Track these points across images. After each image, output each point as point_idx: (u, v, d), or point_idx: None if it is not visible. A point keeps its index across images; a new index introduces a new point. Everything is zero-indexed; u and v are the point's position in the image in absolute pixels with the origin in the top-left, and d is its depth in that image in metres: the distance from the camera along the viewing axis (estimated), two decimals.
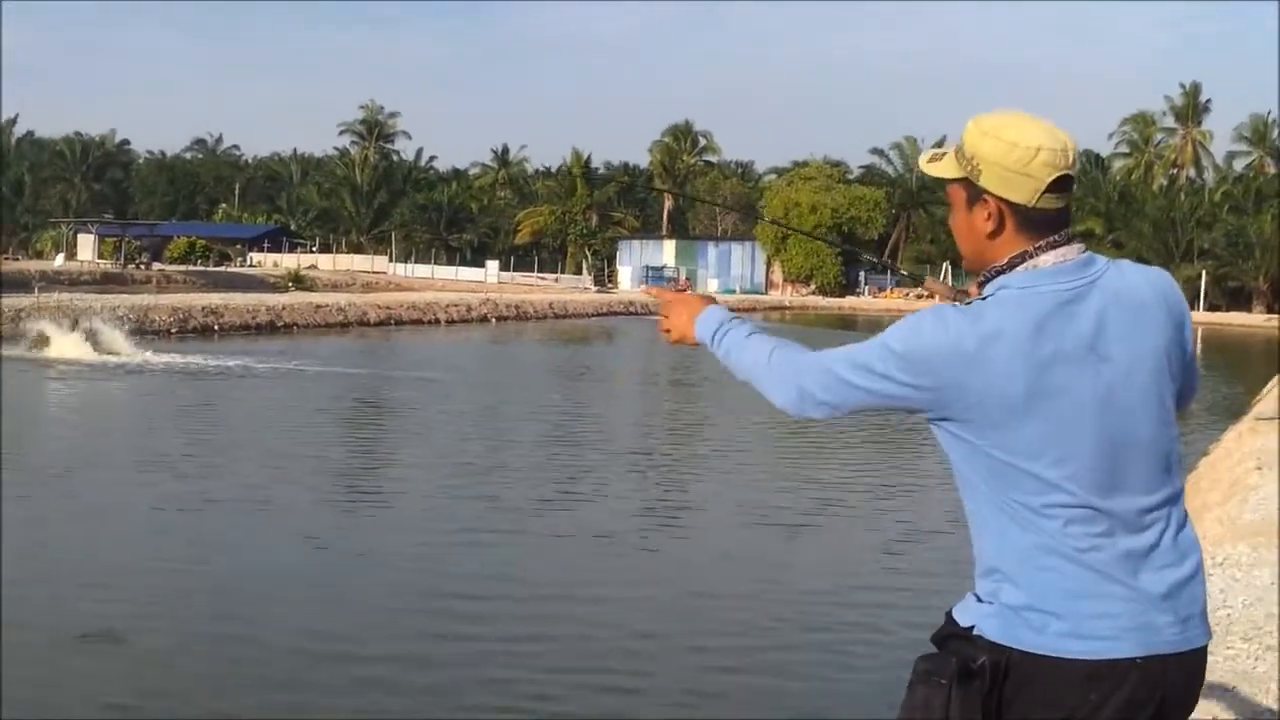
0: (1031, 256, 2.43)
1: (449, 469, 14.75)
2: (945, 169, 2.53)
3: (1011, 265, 2.44)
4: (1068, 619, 2.33)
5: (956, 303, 2.68)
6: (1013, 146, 2.41)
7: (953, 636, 2.45)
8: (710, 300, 2.81)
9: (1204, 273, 79.84)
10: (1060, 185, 2.43)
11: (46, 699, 6.96)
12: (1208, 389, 31.87)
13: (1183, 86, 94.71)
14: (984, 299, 2.42)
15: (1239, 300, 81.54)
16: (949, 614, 2.51)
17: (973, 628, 2.41)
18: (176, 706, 7.01)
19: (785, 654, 8.32)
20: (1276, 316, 67.53)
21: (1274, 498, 10.38)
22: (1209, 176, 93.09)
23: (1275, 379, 23.12)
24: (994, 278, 2.46)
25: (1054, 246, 2.43)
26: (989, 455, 2.38)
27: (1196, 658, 2.42)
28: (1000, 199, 2.44)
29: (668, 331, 2.85)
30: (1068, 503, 2.35)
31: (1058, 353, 2.35)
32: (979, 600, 2.45)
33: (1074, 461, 2.35)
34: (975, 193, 2.48)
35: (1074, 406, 2.36)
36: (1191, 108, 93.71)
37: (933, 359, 2.36)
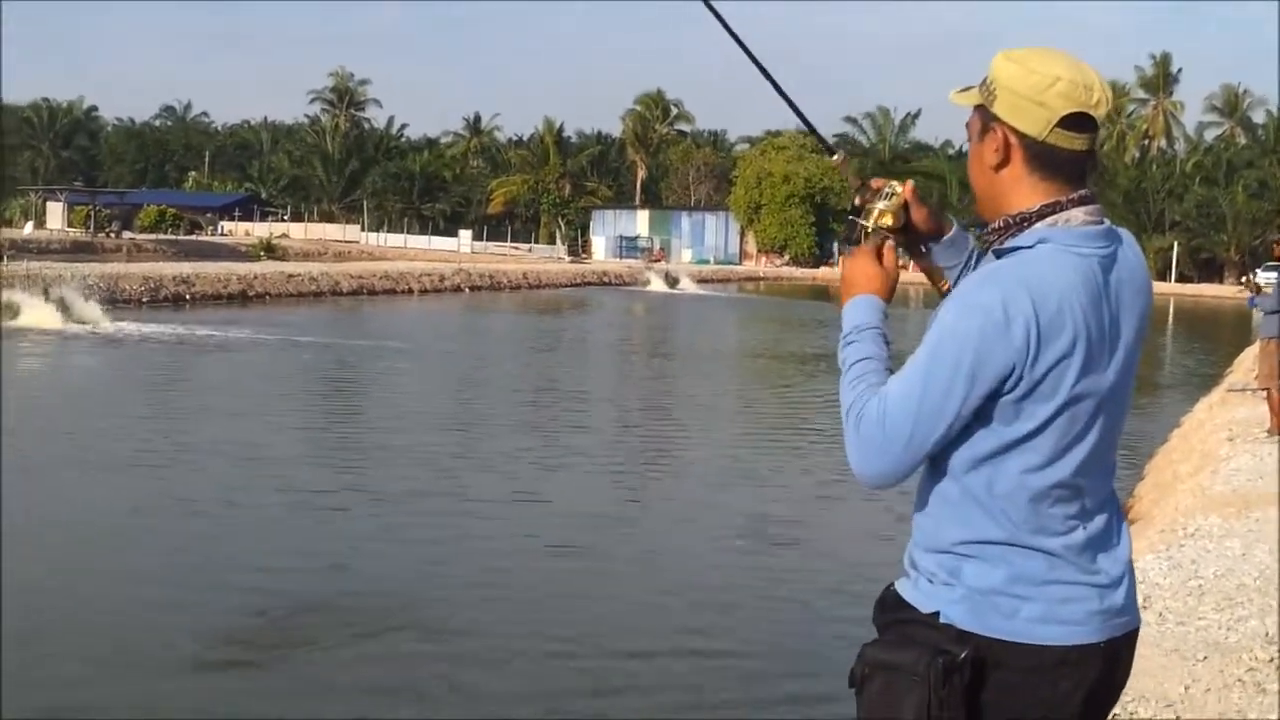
0: (1063, 209, 2.30)
1: (423, 443, 14.71)
2: (967, 97, 2.38)
3: (1041, 215, 2.29)
4: (1039, 603, 2.25)
5: (857, 194, 2.57)
6: (1030, 72, 2.28)
7: (910, 623, 2.31)
8: (882, 283, 2.49)
9: (1175, 244, 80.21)
10: (1078, 123, 2.28)
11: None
12: (1179, 360, 32.11)
13: (1153, 57, 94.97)
14: (1020, 249, 2.28)
15: (1210, 271, 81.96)
16: (894, 594, 2.38)
17: (937, 614, 2.28)
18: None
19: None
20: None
21: (1245, 469, 10.47)
22: (1180, 147, 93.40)
23: (1245, 350, 23.25)
24: (1020, 227, 2.31)
25: (1084, 203, 2.31)
26: (990, 432, 2.25)
27: (1134, 640, 2.40)
28: (1010, 127, 2.31)
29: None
30: (1055, 484, 2.27)
31: (1097, 326, 2.26)
32: (931, 580, 2.31)
33: (1076, 442, 2.27)
34: (987, 119, 2.34)
35: (1094, 383, 2.27)
36: (1162, 78, 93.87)
37: (998, 323, 2.19)
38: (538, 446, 14.65)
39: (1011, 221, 2.32)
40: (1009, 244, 2.32)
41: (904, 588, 2.37)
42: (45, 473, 12.06)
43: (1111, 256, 2.32)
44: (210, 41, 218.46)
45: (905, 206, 2.56)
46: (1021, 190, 2.32)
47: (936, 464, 2.31)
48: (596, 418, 17.74)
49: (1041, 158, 2.30)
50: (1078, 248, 2.27)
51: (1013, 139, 2.31)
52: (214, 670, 7.12)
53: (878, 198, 2.56)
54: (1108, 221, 2.34)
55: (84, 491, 11.40)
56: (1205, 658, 5.78)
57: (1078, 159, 2.32)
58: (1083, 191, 2.32)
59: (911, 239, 2.60)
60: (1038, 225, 2.29)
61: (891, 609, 2.38)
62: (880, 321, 2.45)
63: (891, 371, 2.35)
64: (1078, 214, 2.30)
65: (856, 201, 2.60)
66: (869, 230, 2.53)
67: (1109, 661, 2.31)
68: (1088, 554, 2.30)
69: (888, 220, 2.53)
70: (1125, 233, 2.40)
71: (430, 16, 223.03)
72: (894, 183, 2.58)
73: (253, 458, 13.04)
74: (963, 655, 2.22)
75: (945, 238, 2.63)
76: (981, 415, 2.24)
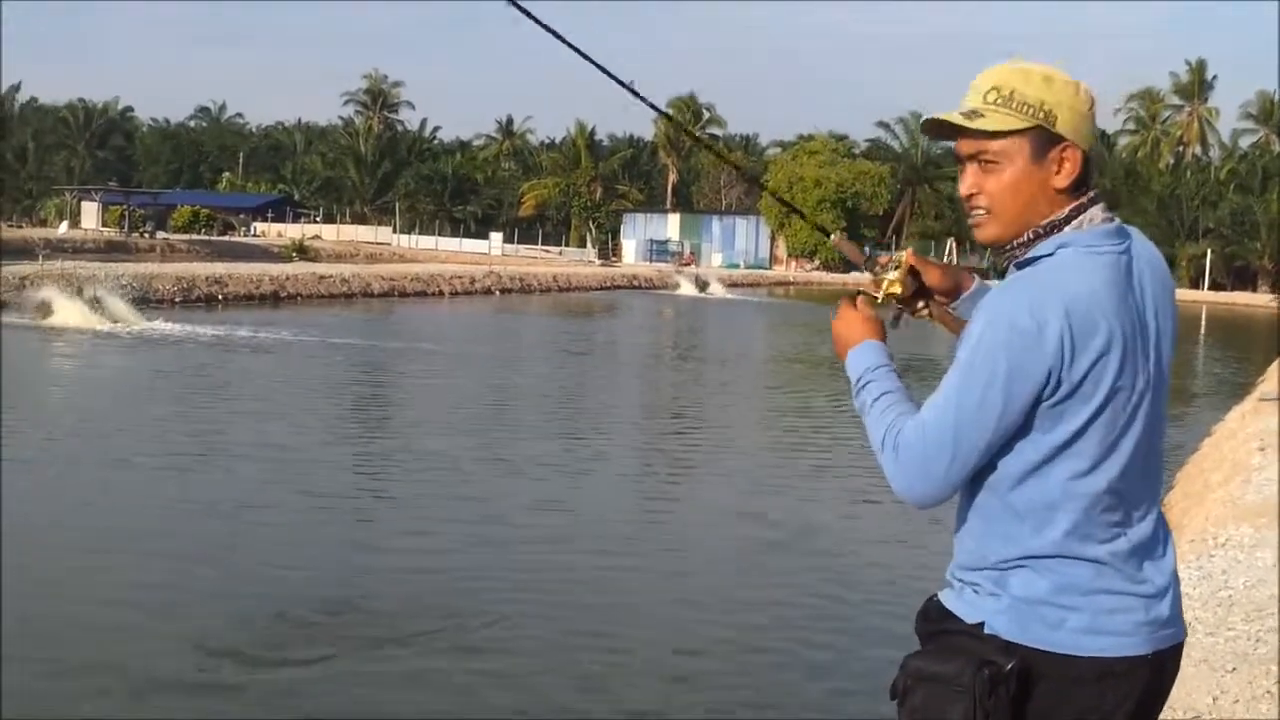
0: (1086, 209, 2.31)
1: (454, 446, 14.75)
2: (1002, 121, 2.29)
3: (1069, 219, 2.30)
4: (1085, 614, 2.23)
5: (867, 270, 2.61)
6: (1076, 87, 2.30)
7: (955, 633, 2.30)
8: (874, 329, 2.52)
9: (1209, 251, 79.67)
10: None
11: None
12: (1211, 368, 31.89)
13: (1188, 63, 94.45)
14: (1042, 258, 2.28)
15: (1244, 280, 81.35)
16: (938, 605, 2.37)
17: (981, 624, 2.26)
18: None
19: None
20: (1278, 297, 67.40)
21: (1277, 479, 10.39)
22: (1215, 154, 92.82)
23: (1278, 360, 23.09)
24: (1045, 235, 2.30)
25: (1095, 201, 2.33)
26: (1032, 441, 2.24)
27: (1180, 652, 2.38)
28: (1076, 146, 2.30)
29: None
30: (1102, 489, 2.25)
31: (1129, 321, 2.25)
32: (976, 591, 2.30)
33: (1119, 442, 2.26)
34: (1048, 141, 2.29)
35: (1131, 379, 2.26)
36: (1197, 84, 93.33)
37: (1034, 333, 2.18)
38: (569, 451, 14.67)
39: (1041, 231, 2.31)
40: (1030, 254, 2.31)
41: (948, 598, 2.36)
42: (75, 471, 12.15)
43: (1128, 251, 2.31)
44: (245, 42, 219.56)
45: (912, 272, 2.58)
46: (1061, 203, 2.32)
47: (976, 482, 2.29)
48: (626, 422, 17.76)
49: (1088, 169, 2.33)
50: (1097, 247, 2.28)
51: (1079, 156, 2.31)
52: (232, 672, 7.12)
53: (885, 270, 2.59)
54: (1116, 218, 2.35)
55: (112, 491, 11.49)
56: (1234, 669, 5.74)
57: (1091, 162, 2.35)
58: (1094, 191, 2.34)
59: (931, 300, 2.62)
60: (1059, 231, 2.30)
61: (935, 619, 2.36)
62: (888, 360, 2.46)
63: (914, 402, 2.35)
64: (1096, 212, 2.32)
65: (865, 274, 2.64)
66: (879, 301, 2.57)
67: (1155, 673, 2.29)
68: (1134, 561, 2.28)
69: (896, 289, 2.56)
70: (1132, 228, 2.40)
71: (463, 18, 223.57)
72: (899, 253, 2.61)
73: (282, 459, 13.10)
74: (1009, 666, 2.21)
75: (966, 294, 2.63)
76: (1022, 426, 2.23)
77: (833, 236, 2.84)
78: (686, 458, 14.99)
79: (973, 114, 2.32)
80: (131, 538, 9.82)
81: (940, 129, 2.38)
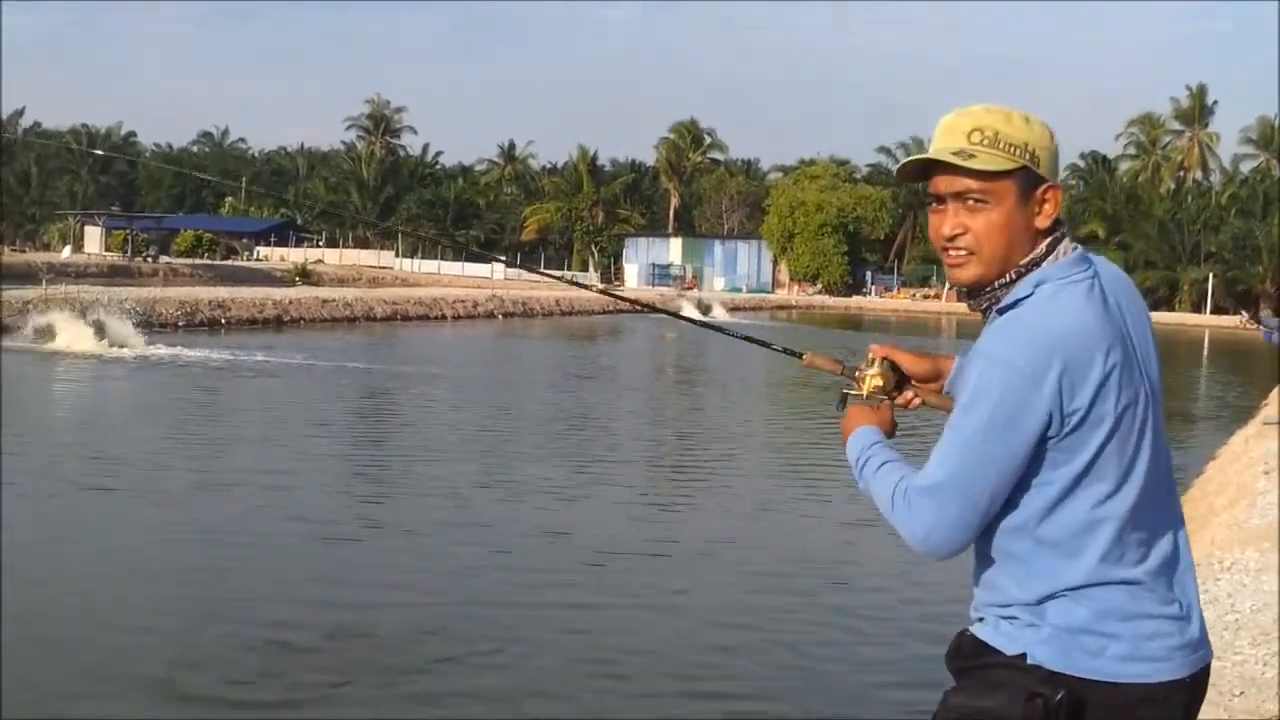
0: (1059, 243, 2.35)
1: (455, 472, 14.74)
2: (993, 162, 2.31)
3: (1046, 255, 2.34)
4: (1125, 640, 2.24)
5: (845, 375, 2.69)
6: (1049, 130, 2.35)
7: (995, 666, 2.29)
8: (873, 416, 2.59)
9: (1211, 276, 79.73)
10: None
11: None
12: (1213, 392, 31.88)
13: (1189, 88, 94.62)
14: (1023, 300, 2.30)
15: (1246, 303, 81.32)
16: (972, 639, 2.35)
17: (1023, 655, 2.26)
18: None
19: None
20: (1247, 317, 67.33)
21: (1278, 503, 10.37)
22: (1215, 179, 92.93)
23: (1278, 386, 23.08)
24: (1024, 274, 2.33)
25: (1065, 234, 2.37)
26: (1050, 476, 2.25)
27: (1209, 672, 2.38)
28: (1056, 186, 2.36)
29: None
30: (1127, 509, 2.26)
31: (1122, 346, 2.27)
32: (1014, 624, 2.29)
33: (1135, 459, 2.27)
34: (1033, 183, 2.33)
35: (1141, 400, 2.28)
36: (1198, 109, 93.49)
37: (1033, 373, 2.20)
38: (572, 476, 14.68)
39: (1022, 270, 2.33)
40: (1008, 300, 2.34)
41: (983, 631, 2.34)
42: (72, 495, 12.14)
43: (1097, 275, 2.34)
44: (248, 67, 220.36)
45: (890, 364, 2.65)
46: (1038, 241, 2.35)
47: (999, 522, 2.29)
48: (630, 447, 17.74)
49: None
50: (1072, 277, 2.31)
51: (1059, 197, 2.36)
52: (232, 699, 7.11)
53: (865, 366, 2.67)
54: (1079, 246, 2.38)
55: (108, 515, 11.49)
56: (1241, 693, 5.73)
57: None
58: (1064, 226, 2.38)
59: (917, 388, 2.67)
60: (1035, 270, 2.33)
61: (970, 654, 2.34)
62: (883, 438, 2.51)
63: (914, 466, 2.38)
64: (1066, 244, 2.36)
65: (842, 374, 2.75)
66: (864, 397, 2.66)
67: (1192, 697, 2.30)
68: (1164, 579, 2.29)
69: (878, 382, 2.64)
70: (1090, 253, 2.41)
71: (466, 44, 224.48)
72: (870, 352, 2.71)
73: (283, 486, 13.09)
74: (1058, 697, 2.21)
75: (950, 376, 2.62)
76: (1037, 463, 2.24)
77: (804, 356, 2.89)
78: (691, 483, 14.97)
79: (964, 154, 2.32)
80: (127, 563, 9.80)
81: (922, 170, 2.39)
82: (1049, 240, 2.34)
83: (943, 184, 2.36)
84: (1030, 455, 2.23)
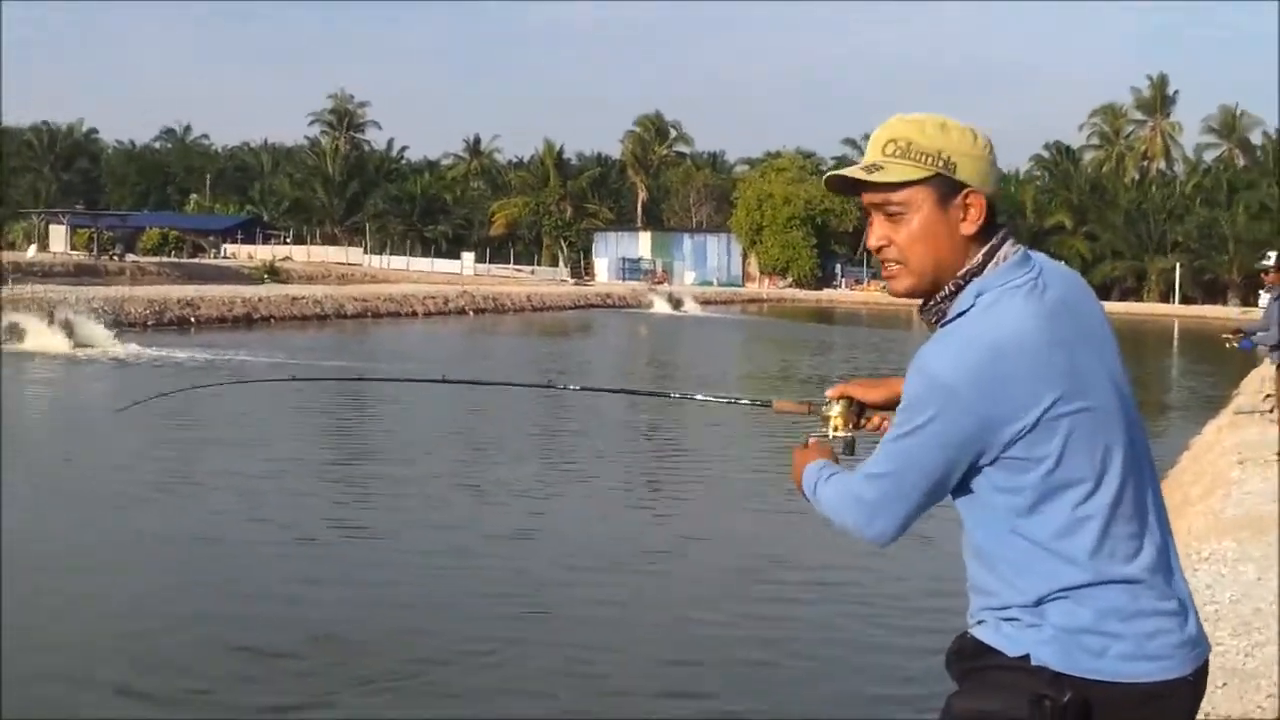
0: (998, 250, 2.33)
1: (431, 473, 14.71)
2: (904, 173, 2.32)
3: (985, 262, 2.32)
4: (1128, 640, 2.23)
5: (813, 413, 2.83)
6: (972, 134, 2.34)
7: (997, 668, 2.28)
8: (824, 452, 2.70)
9: (1178, 265, 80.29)
10: None
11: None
12: (1184, 382, 32.10)
13: (1149, 78, 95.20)
14: (964, 313, 2.30)
15: (1214, 292, 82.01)
16: (973, 641, 2.34)
17: (1026, 656, 2.25)
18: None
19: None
20: (1247, 309, 67.95)
21: (1257, 492, 10.47)
22: (1179, 169, 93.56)
23: (1253, 372, 23.26)
24: (965, 283, 2.32)
25: (1005, 239, 2.34)
26: (1025, 479, 2.24)
27: (1208, 667, 2.38)
28: (978, 191, 2.32)
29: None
30: (1107, 506, 2.25)
31: (1071, 345, 2.25)
32: (1015, 625, 2.28)
33: (1107, 460, 2.25)
34: (951, 189, 2.31)
35: (1102, 395, 2.27)
36: (1159, 99, 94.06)
37: (963, 390, 2.20)
38: (549, 476, 14.68)
39: (961, 282, 2.33)
40: (953, 311, 2.33)
41: (983, 633, 2.33)
42: (47, 500, 12.07)
43: (1040, 274, 2.32)
44: (209, 63, 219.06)
45: (848, 401, 2.79)
46: (971, 250, 2.34)
47: (989, 525, 2.30)
48: (609, 446, 17.72)
49: (992, 211, 2.34)
50: (1012, 280, 2.29)
51: (983, 201, 2.33)
52: (206, 703, 7.08)
53: (827, 407, 2.82)
54: (1022, 247, 2.36)
55: (81, 520, 11.42)
56: (1224, 684, 5.77)
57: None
58: (1004, 229, 2.36)
59: (882, 410, 2.78)
60: (976, 277, 2.32)
61: (972, 656, 2.34)
62: (836, 464, 2.61)
63: None
64: (1007, 249, 2.34)
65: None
66: (830, 437, 2.79)
67: (1195, 693, 2.31)
68: (1161, 576, 2.28)
69: (839, 421, 2.80)
70: (1036, 253, 2.40)
71: (431, 38, 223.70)
72: (829, 390, 2.85)
73: (256, 490, 12.99)
74: (1065, 699, 2.21)
75: None
76: (1000, 471, 2.25)
77: (775, 402, 3.10)
78: (671, 481, 14.96)
79: (872, 167, 2.34)
80: (99, 568, 9.71)
81: (844, 184, 2.42)
82: (986, 248, 2.33)
83: (865, 197, 2.38)
84: (972, 461, 2.25)
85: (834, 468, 2.57)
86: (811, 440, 2.75)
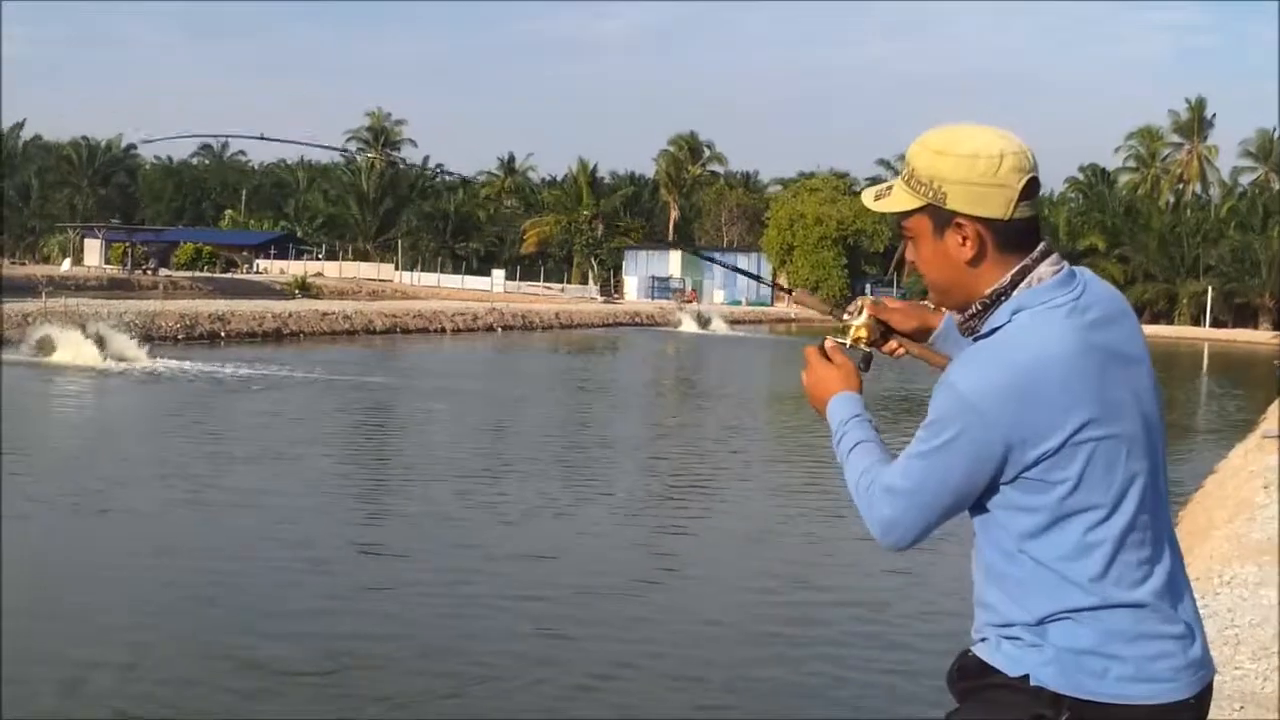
0: (1031, 270, 2.28)
1: (457, 490, 14.74)
2: (899, 203, 2.34)
3: (1014, 284, 2.28)
4: (1130, 662, 2.22)
5: (834, 318, 2.71)
6: (975, 158, 2.25)
7: (997, 687, 2.27)
8: (847, 379, 2.60)
9: (1210, 289, 79.78)
10: (1032, 189, 2.28)
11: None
12: (1213, 406, 31.88)
13: (1188, 101, 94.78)
14: (998, 329, 2.27)
15: (1245, 317, 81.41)
16: (975, 660, 2.33)
17: (1026, 676, 2.23)
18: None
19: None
20: (1278, 334, 67.50)
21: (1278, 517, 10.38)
22: (1215, 192, 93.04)
23: (1279, 398, 23.09)
24: (995, 303, 2.29)
25: (1045, 256, 2.29)
26: (1040, 501, 2.23)
27: (1212, 689, 2.36)
28: (975, 219, 2.27)
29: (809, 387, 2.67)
30: (1119, 532, 2.23)
31: (1104, 369, 2.22)
32: (1017, 644, 2.27)
33: (1127, 486, 2.23)
34: (944, 218, 2.29)
35: (1128, 422, 2.24)
36: (1197, 122, 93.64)
37: (989, 410, 2.18)
38: (571, 494, 14.65)
39: (989, 301, 2.31)
40: (986, 327, 2.31)
41: (984, 652, 2.31)
42: (65, 513, 12.13)
43: (1082, 295, 2.28)
44: (248, 80, 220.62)
45: (876, 319, 2.68)
46: (995, 271, 2.30)
47: (998, 543, 2.29)
48: (633, 463, 17.73)
49: (1010, 235, 2.29)
50: (1051, 302, 2.26)
51: (982, 229, 2.28)
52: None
53: (853, 315, 2.70)
54: (1066, 265, 2.32)
55: (97, 534, 11.48)
56: (1241, 708, 5.74)
57: (1035, 220, 2.32)
58: (1042, 245, 2.32)
59: (902, 340, 2.70)
60: (1012, 295, 2.29)
61: (973, 675, 2.32)
62: (862, 410, 2.54)
63: (888, 451, 2.42)
64: (1045, 269, 2.29)
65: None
66: (847, 346, 2.68)
67: (1197, 715, 2.29)
68: (1168, 600, 2.26)
69: (863, 333, 2.68)
70: (1084, 270, 2.37)
71: (466, 57, 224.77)
72: (859, 300, 2.74)
73: (279, 505, 13.03)
74: (1064, 719, 2.20)
75: (939, 330, 2.66)
76: (1017, 490, 2.23)
77: (795, 292, 2.99)
78: (694, 501, 14.94)
79: (882, 194, 2.38)
80: (115, 583, 9.72)
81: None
82: (1017, 269, 2.28)
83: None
84: (993, 479, 2.23)
85: (862, 429, 2.49)
86: (829, 344, 2.64)
